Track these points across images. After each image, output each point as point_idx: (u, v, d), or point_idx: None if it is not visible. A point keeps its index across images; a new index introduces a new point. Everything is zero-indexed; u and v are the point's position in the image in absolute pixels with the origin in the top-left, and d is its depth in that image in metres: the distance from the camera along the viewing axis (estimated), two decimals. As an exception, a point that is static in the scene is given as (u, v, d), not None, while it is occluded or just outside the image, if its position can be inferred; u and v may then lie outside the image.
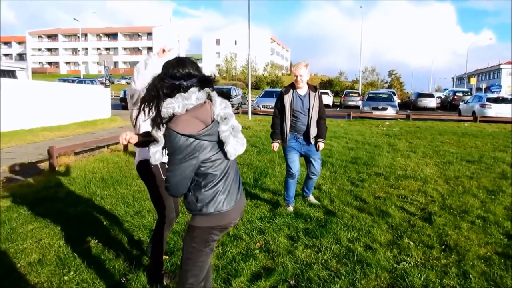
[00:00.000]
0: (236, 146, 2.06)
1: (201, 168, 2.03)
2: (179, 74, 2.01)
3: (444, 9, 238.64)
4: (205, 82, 2.05)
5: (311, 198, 5.05)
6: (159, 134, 2.02)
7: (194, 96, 1.99)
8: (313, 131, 4.60)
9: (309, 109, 4.53)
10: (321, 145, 4.69)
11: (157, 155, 2.07)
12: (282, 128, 4.61)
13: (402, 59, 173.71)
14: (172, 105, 1.96)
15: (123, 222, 4.21)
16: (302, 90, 4.57)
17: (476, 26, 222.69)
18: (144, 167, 2.98)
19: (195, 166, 2.01)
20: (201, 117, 1.99)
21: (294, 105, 4.53)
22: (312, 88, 4.61)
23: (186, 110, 1.98)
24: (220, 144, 2.04)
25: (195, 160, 1.99)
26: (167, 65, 2.07)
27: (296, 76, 4.48)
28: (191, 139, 1.95)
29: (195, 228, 2.14)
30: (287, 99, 4.52)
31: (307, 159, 4.77)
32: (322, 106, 4.65)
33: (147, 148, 2.17)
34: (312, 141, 4.63)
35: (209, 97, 2.05)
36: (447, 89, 43.05)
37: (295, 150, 4.64)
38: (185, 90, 1.99)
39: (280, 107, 4.59)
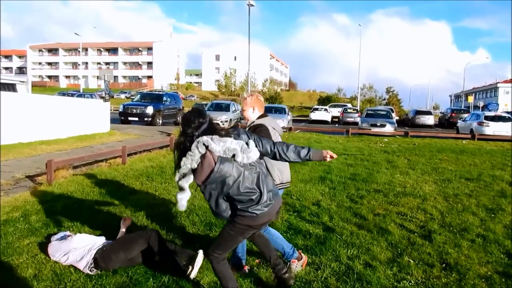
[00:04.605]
0: (255, 153, 2.59)
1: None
2: (190, 131, 2.60)
3: (439, 28, 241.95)
4: (210, 131, 2.61)
5: None
6: (186, 185, 2.55)
7: (197, 151, 2.50)
8: None
9: None
10: None
11: (183, 201, 2.60)
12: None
13: (399, 77, 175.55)
14: (187, 163, 2.52)
15: (121, 237, 4.16)
16: None
17: (471, 45, 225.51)
18: None
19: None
20: (206, 166, 2.50)
21: None
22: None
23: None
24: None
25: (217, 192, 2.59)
26: (180, 124, 2.72)
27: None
28: (207, 185, 2.54)
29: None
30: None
31: None
32: None
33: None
34: None
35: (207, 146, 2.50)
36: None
37: None
38: (189, 148, 2.53)
39: None
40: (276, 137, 3.40)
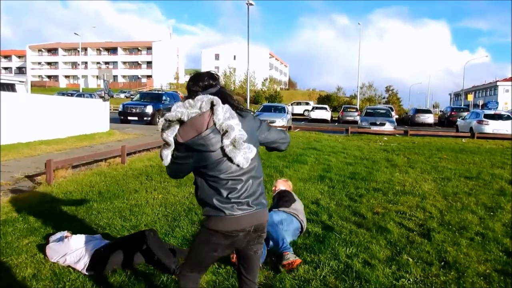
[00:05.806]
0: (244, 156, 2.06)
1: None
2: (195, 88, 2.20)
3: (439, 28, 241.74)
4: (221, 96, 2.14)
5: None
6: (170, 138, 2.08)
7: (199, 104, 2.05)
8: None
9: None
10: None
11: (169, 157, 2.16)
12: None
13: (399, 76, 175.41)
14: (179, 110, 2.05)
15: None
16: None
17: (471, 45, 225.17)
18: None
19: (187, 169, 2.18)
20: (197, 125, 2.03)
21: None
22: None
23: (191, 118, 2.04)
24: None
25: (187, 165, 2.14)
26: (189, 80, 2.28)
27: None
28: (183, 146, 2.06)
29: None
30: None
31: None
32: None
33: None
34: None
35: (212, 106, 2.06)
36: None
37: None
38: (192, 99, 2.09)
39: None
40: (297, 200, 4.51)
